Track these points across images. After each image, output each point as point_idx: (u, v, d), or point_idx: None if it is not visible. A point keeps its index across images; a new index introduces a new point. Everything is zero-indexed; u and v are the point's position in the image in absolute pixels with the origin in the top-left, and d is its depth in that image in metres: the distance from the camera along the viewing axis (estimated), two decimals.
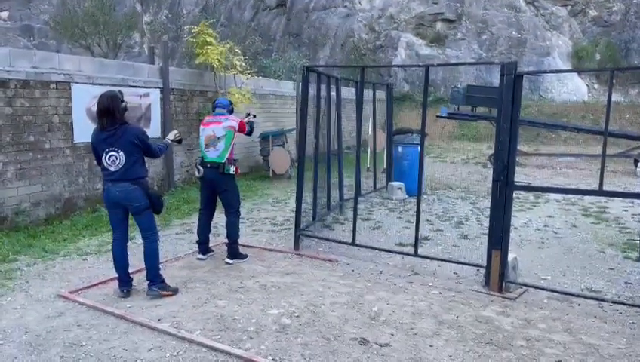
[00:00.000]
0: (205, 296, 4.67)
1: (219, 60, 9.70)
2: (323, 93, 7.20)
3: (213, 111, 5.74)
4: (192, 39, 10.02)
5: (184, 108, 9.93)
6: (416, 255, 5.58)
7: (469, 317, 4.33)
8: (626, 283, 5.19)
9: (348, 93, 13.70)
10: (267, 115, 12.45)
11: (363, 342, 3.82)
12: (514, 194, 4.99)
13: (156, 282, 4.62)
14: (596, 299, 4.66)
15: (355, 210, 6.05)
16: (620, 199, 8.76)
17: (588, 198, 9.28)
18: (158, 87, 9.14)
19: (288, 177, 11.31)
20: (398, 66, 21.55)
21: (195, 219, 7.70)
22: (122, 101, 4.47)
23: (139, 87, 8.56)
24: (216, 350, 3.62)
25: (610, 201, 9.00)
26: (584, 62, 20.53)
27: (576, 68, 19.93)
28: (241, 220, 7.59)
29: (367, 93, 10.06)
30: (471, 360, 3.60)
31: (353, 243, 5.91)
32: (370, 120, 10.61)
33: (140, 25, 27.68)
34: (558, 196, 9.70)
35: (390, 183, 9.74)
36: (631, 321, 4.27)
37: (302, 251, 6.07)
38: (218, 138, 5.46)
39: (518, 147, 15.22)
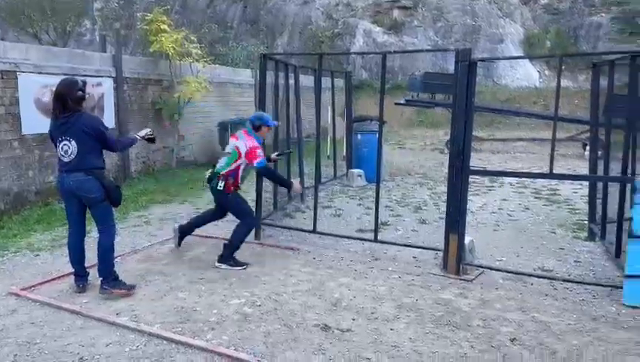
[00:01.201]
0: (165, 288, 4.60)
1: (174, 48, 9.49)
2: (282, 81, 7.16)
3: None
4: (145, 27, 9.75)
5: (139, 98, 9.68)
6: (376, 241, 5.65)
7: (428, 299, 4.43)
8: (575, 261, 5.41)
9: (307, 81, 13.66)
10: (225, 103, 12.28)
11: (325, 328, 3.86)
12: (470, 179, 5.11)
13: (108, 279, 4.39)
14: (548, 277, 4.85)
15: (315, 198, 6.07)
16: (570, 181, 9.10)
17: (540, 181, 9.59)
18: (111, 76, 8.87)
19: None
20: (355, 53, 21.62)
21: (152, 210, 7.57)
22: (79, 90, 4.25)
23: (90, 75, 8.28)
24: (176, 342, 3.58)
25: (561, 184, 9.33)
26: (535, 49, 21.09)
27: (527, 54, 20.47)
28: (199, 211, 7.53)
29: (326, 81, 10.08)
30: (430, 341, 3.69)
31: (314, 231, 5.94)
32: (330, 108, 10.62)
33: (91, 11, 26.71)
34: (512, 180, 9.99)
35: (350, 170, 9.80)
36: (580, 298, 4.46)
37: (263, 240, 6.05)
38: (225, 153, 5.31)
39: (474, 133, 15.60)
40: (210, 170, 5.35)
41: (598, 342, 3.69)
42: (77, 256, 4.52)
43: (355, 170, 9.64)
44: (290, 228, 6.34)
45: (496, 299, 4.41)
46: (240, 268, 5.09)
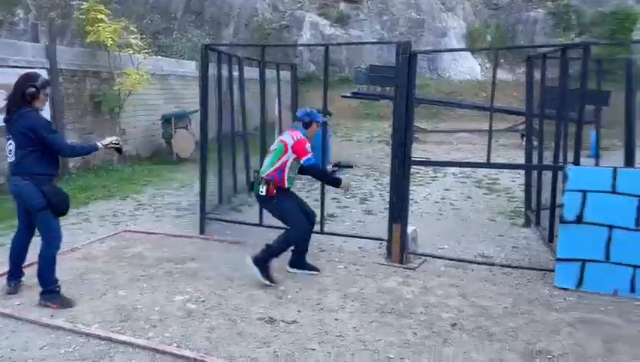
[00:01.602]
0: (104, 286, 4.45)
1: (112, 39, 9.15)
2: (226, 73, 7.04)
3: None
4: (80, 16, 9.36)
5: (76, 90, 9.30)
6: (322, 232, 5.67)
7: (372, 289, 4.50)
8: (512, 247, 5.63)
9: (253, 73, 13.51)
10: (169, 96, 11.99)
11: (270, 321, 3.85)
12: (414, 170, 5.21)
13: (45, 292, 4.05)
14: (487, 263, 5.03)
15: None
16: (509, 171, 9.44)
17: (481, 171, 9.90)
18: (45, 68, 8.47)
19: (194, 160, 11.00)
20: (298, 45, 21.57)
21: (91, 207, 7.30)
22: (32, 85, 3.86)
23: (21, 67, 7.87)
24: (115, 341, 3.48)
25: (501, 173, 9.67)
26: (477, 43, 21.73)
27: (466, 47, 21.05)
28: (142, 207, 7.35)
29: (273, 74, 10.00)
30: (374, 329, 3.74)
31: (260, 225, 5.89)
32: (276, 100, 10.55)
33: (25, 0, 25.36)
34: (455, 170, 10.27)
35: None
36: (516, 282, 4.65)
37: (208, 235, 5.96)
38: (270, 151, 4.69)
39: (419, 125, 15.92)
40: (255, 175, 4.74)
41: (532, 323, 3.86)
42: (14, 253, 4.26)
43: None
44: (235, 222, 6.27)
45: (438, 286, 4.53)
46: (267, 282, 4.44)
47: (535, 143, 6.36)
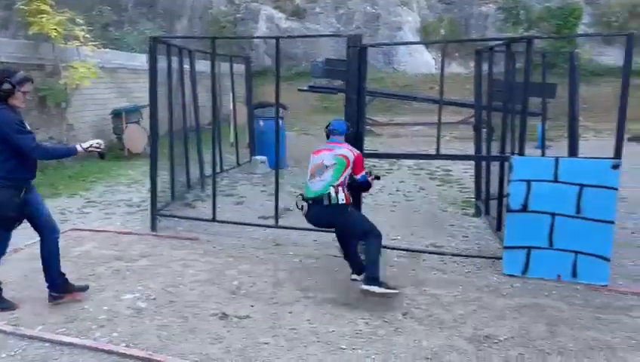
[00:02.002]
0: None
1: (57, 31, 8.80)
2: (177, 66, 6.91)
3: (327, 138, 4.57)
4: (22, 7, 8.96)
5: None
6: (277, 226, 5.66)
7: (326, 281, 4.52)
8: (463, 236, 5.77)
9: (206, 66, 13.32)
10: (119, 90, 11.66)
11: (223, 317, 3.82)
12: (370, 162, 5.25)
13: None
14: (438, 253, 5.14)
15: (213, 185, 5.95)
16: (462, 162, 9.65)
17: (435, 163, 10.08)
18: None
19: (146, 156, 10.75)
20: (250, 38, 21.32)
21: None
22: (6, 82, 3.58)
23: None
24: (61, 343, 3.37)
25: (454, 165, 9.88)
26: (431, 37, 22.08)
27: (417, 41, 21.36)
28: (91, 204, 7.14)
29: (228, 67, 9.88)
30: (327, 321, 3.77)
31: (214, 220, 5.82)
32: (231, 94, 10.43)
33: None
34: (410, 162, 10.42)
35: (253, 157, 9.72)
36: (466, 270, 4.77)
37: (160, 232, 5.84)
38: (326, 166, 4.30)
39: (375, 118, 16.06)
40: (300, 198, 4.38)
41: (480, 309, 3.96)
42: None
43: (259, 157, 9.57)
44: (188, 218, 6.18)
45: (391, 277, 4.56)
46: (393, 291, 4.07)
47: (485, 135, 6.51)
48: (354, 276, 4.47)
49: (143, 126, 10.85)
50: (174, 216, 6.24)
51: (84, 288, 4.10)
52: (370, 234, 4.19)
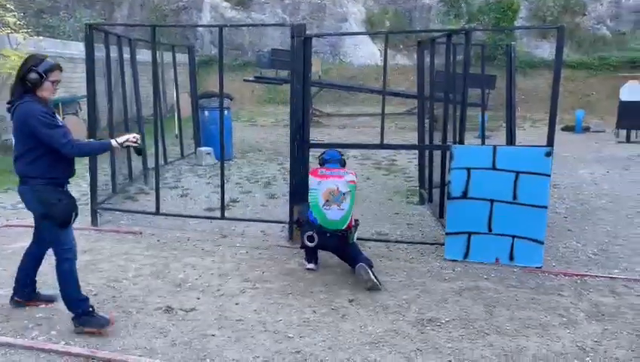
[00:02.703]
0: None
1: None
2: (116, 55, 6.68)
3: (321, 165, 4.60)
4: None
5: None
6: (223, 218, 5.60)
7: (274, 271, 4.52)
8: (407, 224, 5.91)
9: (149, 56, 12.95)
10: None
11: (168, 310, 3.76)
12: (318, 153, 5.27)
13: (77, 315, 3.43)
14: (383, 240, 5.25)
15: (156, 177, 5.81)
16: (406, 152, 9.85)
17: (381, 153, 10.24)
18: None
19: None
20: (192, 26, 20.87)
21: None
22: (32, 69, 3.21)
23: None
24: None
25: (398, 154, 10.07)
26: (376, 28, 22.32)
27: (360, 32, 21.57)
28: None
29: (171, 57, 9.65)
30: (274, 311, 3.78)
31: (157, 213, 5.70)
32: (174, 84, 10.19)
33: None
34: (356, 152, 10.53)
35: (198, 149, 9.56)
36: (410, 257, 4.90)
37: (101, 226, 5.65)
38: (343, 194, 4.33)
39: (322, 109, 16.12)
40: (316, 234, 4.34)
41: (424, 294, 4.09)
42: (20, 266, 3.74)
43: (204, 148, 9.42)
44: (130, 212, 6.02)
45: (337, 265, 4.62)
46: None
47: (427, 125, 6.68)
48: (310, 265, 4.55)
49: (82, 117, 10.43)
50: (116, 210, 6.06)
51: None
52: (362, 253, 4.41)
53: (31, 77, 3.21)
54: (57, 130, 3.27)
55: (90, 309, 3.45)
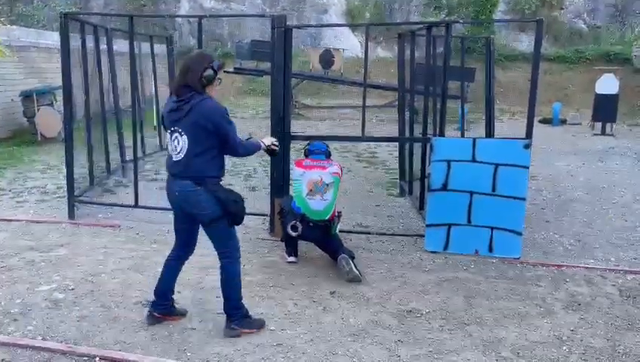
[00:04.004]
0: None
1: None
2: (92, 45, 6.54)
3: (306, 156, 4.59)
4: None
5: None
6: None
7: (255, 264, 4.50)
8: (388, 216, 5.94)
9: (126, 46, 12.72)
10: (29, 70, 10.90)
11: (147, 304, 3.69)
12: (299, 145, 5.26)
13: (236, 317, 3.38)
14: (364, 233, 5.27)
15: (135, 169, 5.73)
16: (387, 144, 9.87)
17: (361, 145, 10.25)
18: None
19: (62, 140, 10.16)
20: (170, 16, 20.52)
21: None
22: (210, 67, 3.11)
23: None
24: None
25: (379, 147, 10.09)
26: (357, 20, 22.28)
27: (340, 24, 21.52)
28: (2, 192, 6.68)
29: (149, 48, 9.49)
30: (256, 303, 3.76)
31: (136, 206, 5.63)
32: (153, 75, 10.03)
33: None
34: (337, 145, 10.49)
35: None
36: (391, 248, 4.92)
37: (78, 220, 5.56)
38: (327, 185, 4.36)
39: (303, 101, 16.06)
40: (299, 222, 4.34)
41: (404, 285, 4.12)
42: (165, 275, 3.49)
43: None
44: (109, 205, 5.93)
45: (319, 257, 4.62)
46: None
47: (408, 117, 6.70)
48: (291, 258, 4.54)
49: (58, 108, 10.22)
50: (94, 203, 5.96)
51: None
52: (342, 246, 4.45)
53: (208, 74, 3.10)
54: (235, 129, 3.24)
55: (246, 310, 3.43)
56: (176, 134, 3.13)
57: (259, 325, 3.42)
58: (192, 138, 3.10)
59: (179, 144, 3.13)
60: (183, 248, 3.48)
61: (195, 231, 3.42)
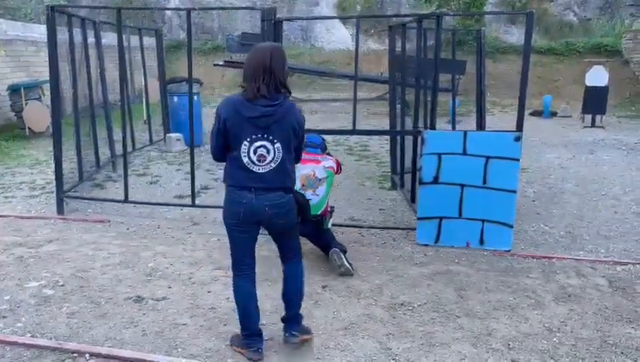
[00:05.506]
0: None
1: None
2: (80, 38, 6.47)
3: None
4: None
5: None
6: (194, 205, 5.53)
7: None
8: (380, 209, 5.94)
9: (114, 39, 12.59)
10: (16, 63, 10.77)
11: (138, 300, 3.70)
12: None
13: (300, 319, 3.20)
14: (355, 226, 5.26)
15: (125, 164, 5.69)
16: (378, 137, 9.87)
17: (353, 138, 10.22)
18: None
19: (50, 135, 10.06)
20: (158, 9, 20.36)
21: None
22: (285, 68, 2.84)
23: None
24: None
25: (370, 140, 10.08)
26: (348, 12, 22.20)
27: (330, 16, 21.43)
28: None
29: (137, 41, 9.39)
30: None
31: (126, 201, 5.59)
32: (142, 69, 9.94)
33: None
34: (329, 138, 10.46)
35: (168, 135, 9.38)
36: (383, 242, 4.92)
37: (67, 215, 5.51)
38: (319, 179, 4.31)
39: (294, 94, 16.00)
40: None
41: (396, 278, 4.12)
42: (253, 304, 3.14)
43: (174, 135, 9.25)
44: (98, 200, 5.88)
45: (309, 251, 4.59)
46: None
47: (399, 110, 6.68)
48: None
49: (46, 103, 10.12)
50: (83, 198, 5.92)
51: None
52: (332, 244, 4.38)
53: (287, 72, 2.88)
54: None
55: None
56: (263, 142, 2.77)
57: (310, 331, 3.21)
58: (285, 145, 2.82)
59: (268, 153, 2.79)
60: (254, 268, 3.19)
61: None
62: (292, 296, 3.16)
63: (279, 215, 2.91)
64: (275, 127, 2.77)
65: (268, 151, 2.79)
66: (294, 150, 2.94)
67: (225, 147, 2.87)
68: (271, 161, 2.81)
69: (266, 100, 2.73)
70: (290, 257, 3.16)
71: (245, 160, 2.79)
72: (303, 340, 3.11)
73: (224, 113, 2.80)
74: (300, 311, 3.20)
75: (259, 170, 2.81)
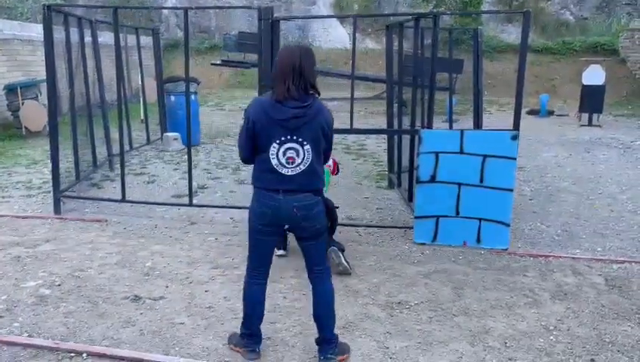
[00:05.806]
0: None
1: None
2: (77, 38, 6.45)
3: None
4: None
5: None
6: (191, 205, 5.53)
7: (244, 258, 4.37)
8: (377, 208, 5.95)
9: (111, 38, 12.56)
10: (13, 63, 10.74)
11: (135, 299, 3.69)
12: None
13: (335, 341, 3.03)
14: (352, 225, 5.27)
15: (122, 163, 5.68)
16: (375, 136, 9.89)
17: (350, 137, 10.23)
18: None
19: (47, 134, 10.03)
20: (155, 8, 20.32)
21: None
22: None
23: None
24: None
25: (368, 139, 10.10)
26: (345, 11, 22.20)
27: (327, 15, 21.44)
28: None
29: (135, 40, 9.37)
30: None
31: (123, 200, 5.58)
32: (139, 68, 9.93)
33: None
34: None
35: (165, 134, 9.37)
36: (380, 241, 4.93)
37: (64, 215, 5.50)
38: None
39: None
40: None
41: (393, 277, 4.12)
42: (261, 313, 3.10)
43: (171, 134, 9.24)
44: (95, 199, 5.87)
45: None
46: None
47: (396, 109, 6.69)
48: (280, 252, 4.51)
49: (42, 102, 10.09)
50: (80, 198, 5.90)
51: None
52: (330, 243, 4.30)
53: (316, 76, 2.79)
54: None
55: None
56: (292, 144, 2.71)
57: (348, 349, 3.08)
58: (315, 147, 2.76)
59: (298, 156, 2.73)
60: (268, 273, 3.09)
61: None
62: (324, 319, 3.02)
63: (308, 217, 2.83)
64: (304, 128, 2.72)
65: (297, 154, 2.74)
66: (323, 151, 2.88)
67: (254, 149, 2.80)
68: (300, 163, 2.76)
69: (296, 102, 2.67)
70: (318, 273, 3.00)
71: (274, 162, 2.74)
72: (341, 361, 3.00)
73: (253, 115, 2.74)
74: (335, 335, 3.04)
75: (288, 172, 2.75)
